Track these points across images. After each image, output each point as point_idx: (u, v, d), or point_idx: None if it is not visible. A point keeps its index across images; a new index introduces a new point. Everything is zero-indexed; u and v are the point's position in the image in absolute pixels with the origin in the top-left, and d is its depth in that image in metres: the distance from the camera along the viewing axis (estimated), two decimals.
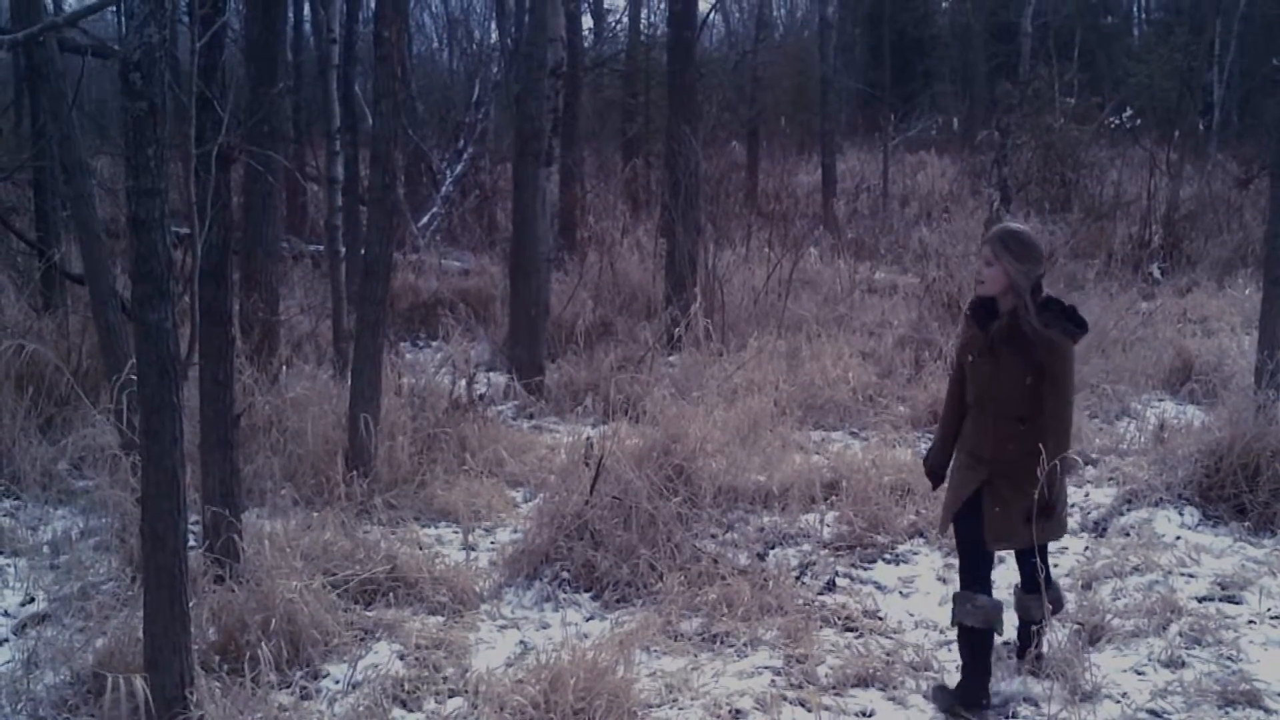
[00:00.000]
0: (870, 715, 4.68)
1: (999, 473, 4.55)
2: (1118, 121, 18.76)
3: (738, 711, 4.63)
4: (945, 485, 4.89)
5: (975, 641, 4.65)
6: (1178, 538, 6.43)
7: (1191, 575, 5.97)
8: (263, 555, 5.39)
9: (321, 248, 11.83)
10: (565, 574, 5.89)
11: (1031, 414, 4.45)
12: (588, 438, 6.77)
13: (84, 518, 6.45)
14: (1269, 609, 5.55)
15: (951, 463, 4.82)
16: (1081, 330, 4.46)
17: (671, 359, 10.01)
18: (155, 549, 4.11)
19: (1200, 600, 5.67)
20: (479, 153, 17.44)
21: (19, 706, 4.54)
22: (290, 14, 14.87)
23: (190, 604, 4.31)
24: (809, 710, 4.65)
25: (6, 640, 5.21)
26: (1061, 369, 4.41)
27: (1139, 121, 18.68)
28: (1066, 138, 17.48)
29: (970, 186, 19.57)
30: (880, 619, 5.56)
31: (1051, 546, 6.40)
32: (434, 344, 11.37)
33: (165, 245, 3.97)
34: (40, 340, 8.09)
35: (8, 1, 8.96)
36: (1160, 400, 9.25)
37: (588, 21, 21.96)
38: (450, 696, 4.74)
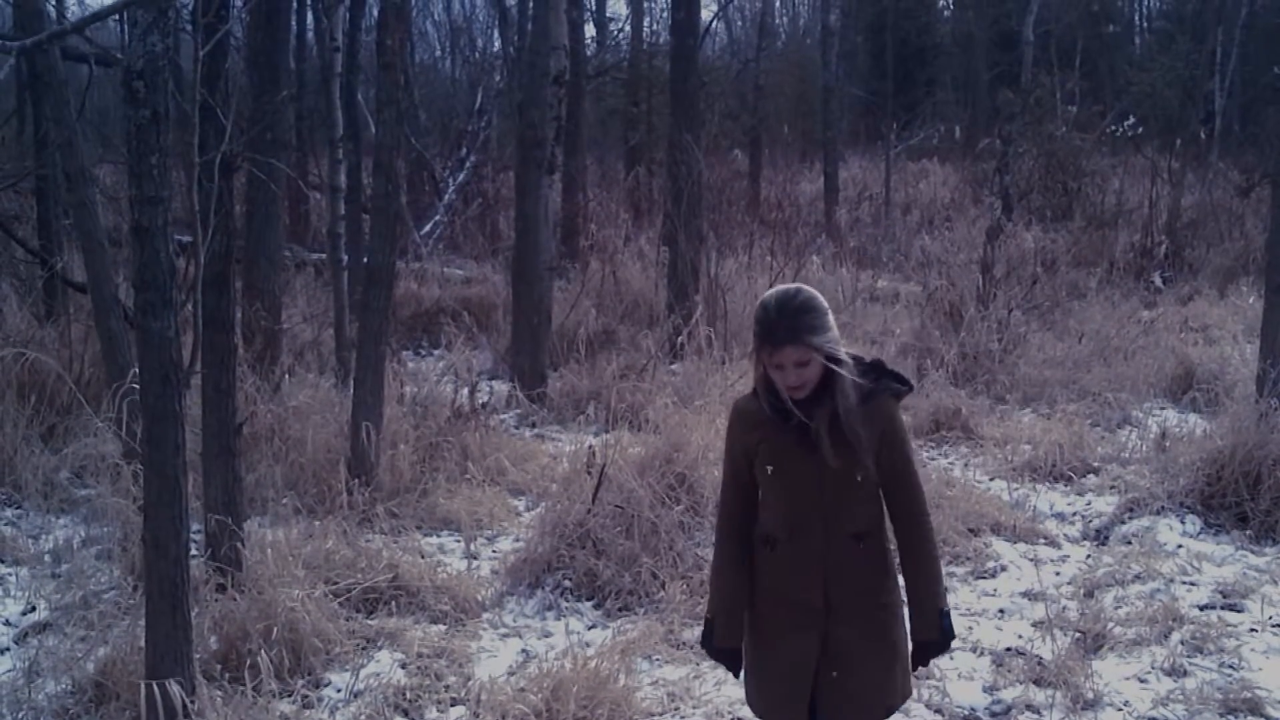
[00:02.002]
0: None
1: (842, 623, 3.16)
2: (1119, 129, 18.77)
3: (739, 719, 4.63)
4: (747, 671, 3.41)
5: None
6: (1179, 546, 6.42)
7: (1193, 583, 5.97)
8: (265, 564, 5.38)
9: (324, 256, 11.83)
10: (567, 583, 5.89)
11: (872, 527, 3.21)
12: (590, 446, 6.77)
13: (85, 526, 6.46)
14: (1270, 617, 5.54)
15: (747, 635, 3.36)
16: (907, 388, 3.25)
17: (674, 367, 10.01)
18: (157, 557, 4.12)
19: (1202, 608, 5.66)
20: (481, 161, 17.45)
21: (20, 715, 4.54)
22: (293, 22, 14.90)
23: (192, 613, 4.31)
24: None
25: (8, 649, 5.21)
26: (906, 440, 3.24)
27: (1141, 130, 18.70)
28: (1068, 146, 17.50)
29: (972, 195, 19.57)
30: None
31: (1053, 554, 6.44)
32: (436, 352, 11.37)
33: (168, 253, 3.98)
34: (42, 349, 8.10)
35: (11, 9, 8.97)
36: (1162, 408, 9.25)
37: (590, 30, 21.99)
38: (452, 705, 4.74)
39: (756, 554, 3.28)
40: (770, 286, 12.68)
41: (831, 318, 3.10)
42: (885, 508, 3.24)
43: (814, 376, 3.07)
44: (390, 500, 6.85)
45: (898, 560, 3.27)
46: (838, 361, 3.07)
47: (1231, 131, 24.36)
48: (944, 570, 6.13)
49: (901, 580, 3.27)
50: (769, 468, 3.19)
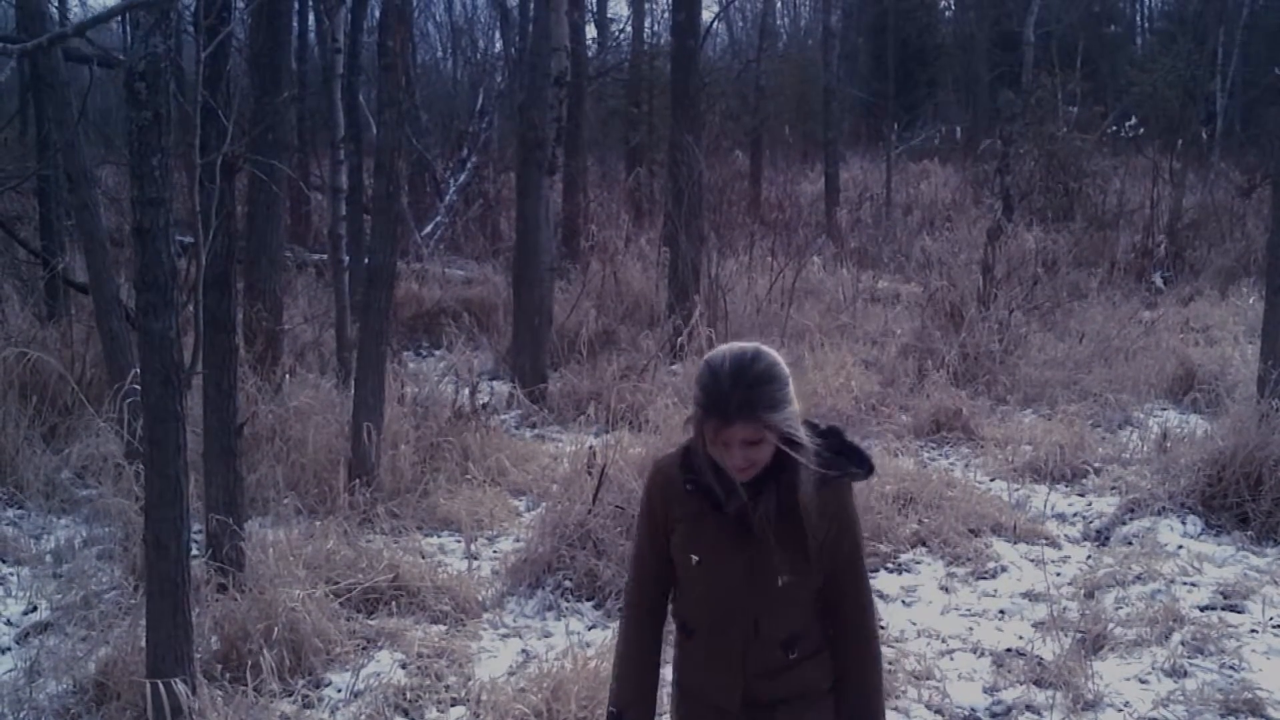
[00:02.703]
0: None
1: None
2: (1122, 130, 18.76)
3: None
4: None
5: None
6: (1180, 547, 6.42)
7: (1194, 584, 5.97)
8: (265, 564, 5.39)
9: (325, 257, 11.85)
10: (568, 583, 5.89)
11: (806, 635, 2.71)
12: (590, 447, 6.78)
13: (87, 526, 6.47)
14: (1271, 618, 5.54)
15: None
16: (865, 471, 2.72)
17: (674, 368, 10.01)
18: (158, 558, 4.12)
19: (1203, 609, 5.66)
20: (482, 162, 17.46)
21: (21, 715, 4.55)
22: (295, 24, 14.92)
23: (193, 613, 4.32)
24: None
25: (9, 649, 5.22)
26: (859, 538, 2.77)
27: (1142, 130, 18.69)
28: (1069, 147, 17.48)
29: (973, 195, 19.58)
30: (883, 628, 5.54)
31: (1054, 555, 6.44)
32: (437, 353, 11.38)
33: (169, 254, 3.99)
34: (44, 349, 8.11)
35: (14, 11, 8.99)
36: (1163, 409, 9.25)
37: (591, 31, 21.95)
38: (452, 705, 4.74)
39: (676, 636, 2.92)
40: (770, 288, 12.70)
41: (792, 388, 2.59)
42: (825, 616, 2.73)
43: (765, 458, 2.57)
44: (391, 500, 6.86)
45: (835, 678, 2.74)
46: (796, 445, 2.56)
47: (1233, 132, 24.37)
48: (945, 571, 6.21)
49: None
50: (694, 557, 2.70)
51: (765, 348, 2.61)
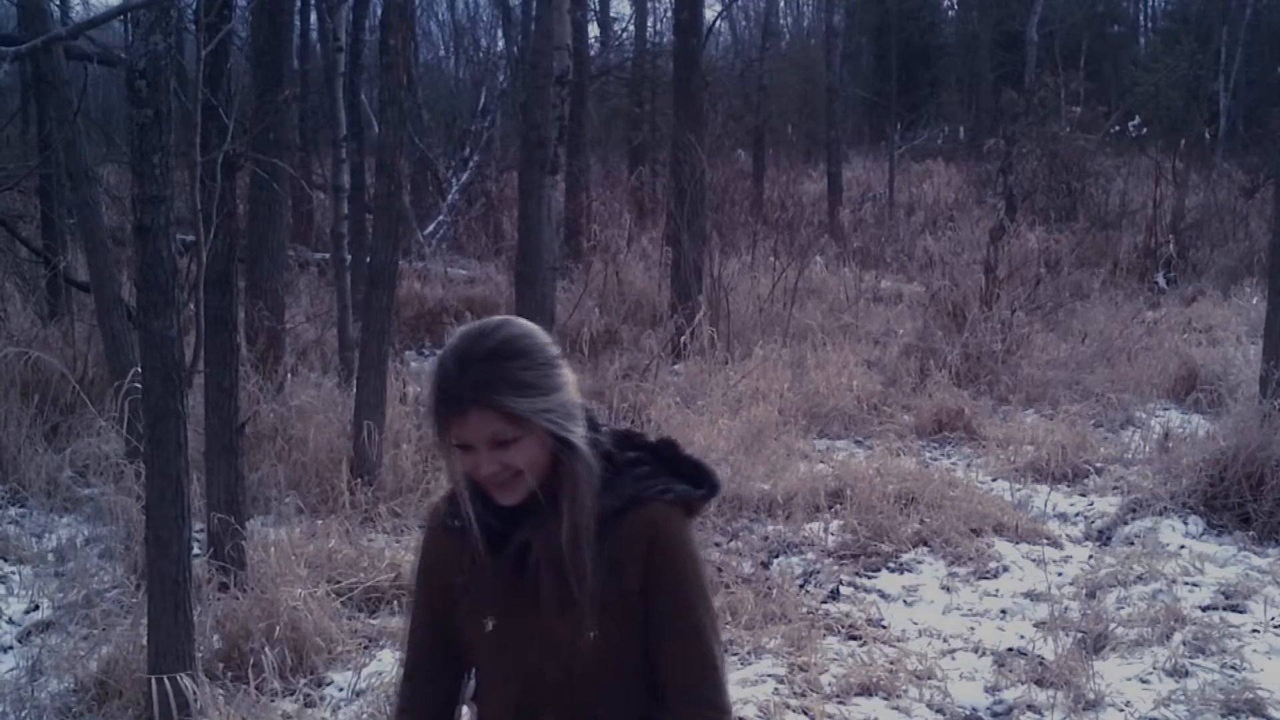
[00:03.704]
0: None
1: None
2: (1125, 130, 18.75)
3: (741, 719, 4.63)
4: None
5: None
6: (1182, 547, 6.42)
7: (1195, 584, 5.96)
8: (267, 563, 5.39)
9: (327, 256, 11.85)
10: None
11: (636, 704, 2.02)
12: None
13: (89, 525, 6.47)
14: (1273, 618, 5.53)
15: None
16: (703, 491, 2.06)
17: (676, 367, 10.01)
18: (160, 556, 4.12)
19: (1204, 609, 5.65)
20: (485, 161, 17.46)
21: (23, 714, 4.55)
22: (296, 22, 14.92)
23: (194, 611, 4.32)
24: (812, 719, 4.65)
25: (11, 648, 5.22)
26: (691, 580, 2.02)
27: (1145, 130, 18.68)
28: (1072, 146, 17.47)
29: (976, 195, 19.57)
30: (884, 628, 5.55)
31: (1055, 555, 6.44)
32: (439, 352, 11.37)
33: (171, 253, 3.99)
34: (46, 348, 8.11)
35: (15, 9, 8.99)
36: (1165, 409, 9.23)
37: (594, 30, 21.98)
38: None
39: None
40: (773, 287, 12.71)
41: (561, 372, 1.99)
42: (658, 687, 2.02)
43: (528, 464, 1.92)
44: (393, 500, 6.85)
45: None
46: (566, 443, 1.93)
47: (1236, 132, 24.35)
48: (947, 571, 6.21)
49: None
50: (486, 622, 2.03)
51: (520, 320, 2.06)
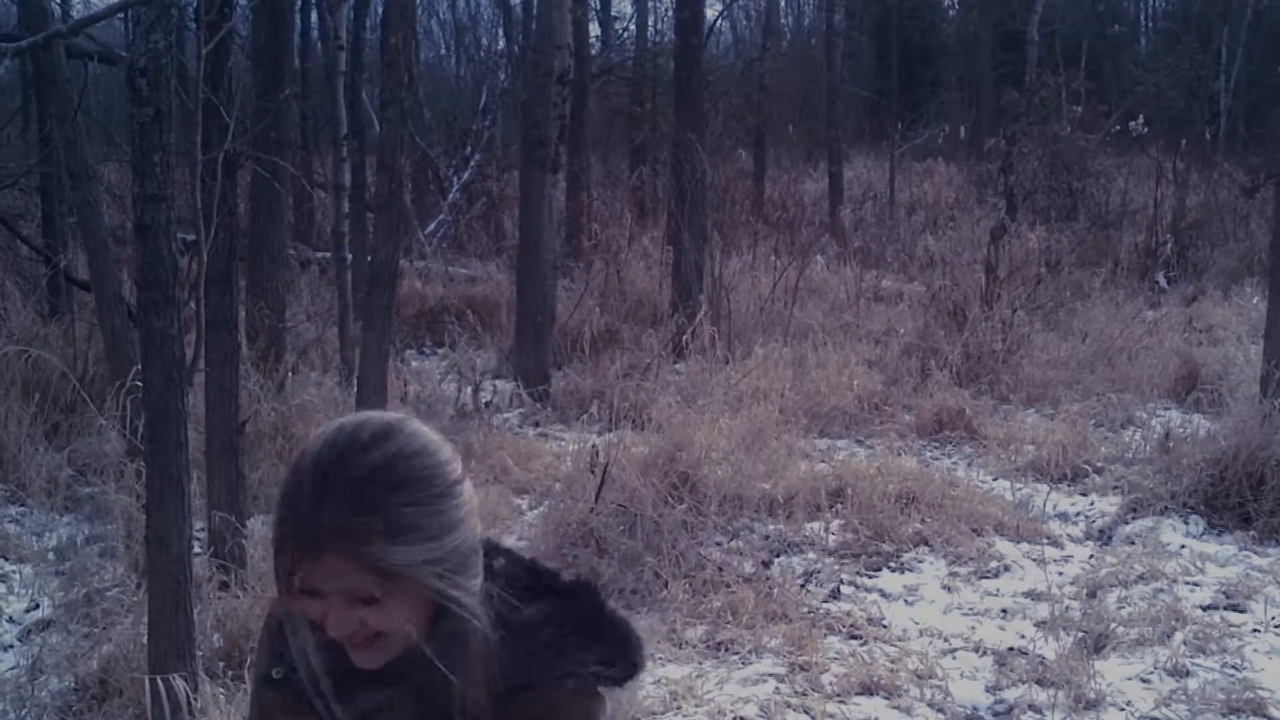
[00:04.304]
0: None
1: None
2: (1127, 129, 18.75)
3: (741, 719, 4.63)
4: None
5: None
6: (1183, 546, 6.41)
7: (1196, 584, 5.96)
8: (268, 561, 5.38)
9: (328, 255, 11.84)
10: None
11: None
12: (593, 445, 6.77)
13: (89, 524, 6.46)
14: (1274, 618, 5.53)
15: None
16: (619, 673, 1.55)
17: (677, 367, 10.01)
18: (160, 555, 4.12)
19: (1205, 609, 5.65)
20: (486, 160, 17.45)
21: (24, 712, 4.55)
22: (297, 20, 14.92)
23: (195, 610, 4.32)
24: (813, 718, 4.65)
25: (12, 646, 5.22)
26: None
27: (1146, 130, 18.68)
28: (1073, 146, 17.46)
29: (977, 195, 19.54)
30: (885, 627, 5.55)
31: (1056, 554, 6.44)
32: (440, 351, 11.37)
33: (171, 251, 3.98)
34: (46, 347, 8.11)
35: (15, 7, 8.99)
36: (1166, 409, 9.23)
37: (595, 29, 21.97)
38: None
39: None
40: (774, 287, 12.75)
41: (458, 504, 1.50)
42: None
43: (395, 628, 1.43)
44: None
45: None
46: (456, 603, 1.45)
47: (1237, 132, 24.33)
48: (947, 570, 6.21)
49: None
50: None
51: (412, 423, 1.50)
